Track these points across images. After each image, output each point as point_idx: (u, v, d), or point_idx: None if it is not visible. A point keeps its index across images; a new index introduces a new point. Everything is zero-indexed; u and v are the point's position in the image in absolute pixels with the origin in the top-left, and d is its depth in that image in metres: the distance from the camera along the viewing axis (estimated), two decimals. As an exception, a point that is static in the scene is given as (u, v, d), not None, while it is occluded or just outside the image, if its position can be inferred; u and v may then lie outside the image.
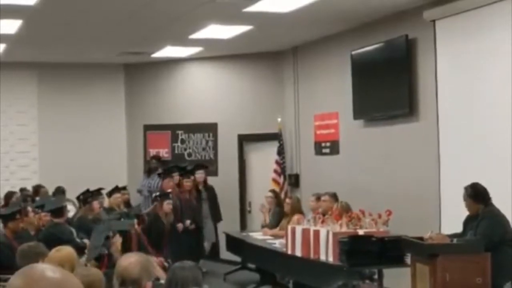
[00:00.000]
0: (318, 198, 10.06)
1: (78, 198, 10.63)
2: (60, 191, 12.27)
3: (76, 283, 1.83)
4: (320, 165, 11.89)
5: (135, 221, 9.50)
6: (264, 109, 13.31)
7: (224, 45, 12.05)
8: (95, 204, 10.13)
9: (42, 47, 12.22)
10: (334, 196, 9.73)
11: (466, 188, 7.02)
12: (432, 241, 6.78)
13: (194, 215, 12.15)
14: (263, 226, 11.44)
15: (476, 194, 6.95)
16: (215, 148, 14.04)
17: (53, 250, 5.40)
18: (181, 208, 11.83)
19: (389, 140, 10.06)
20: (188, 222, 11.82)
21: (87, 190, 10.59)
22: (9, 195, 11.62)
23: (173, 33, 11.00)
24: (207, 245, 12.64)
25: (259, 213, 12.09)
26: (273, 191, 11.79)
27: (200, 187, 12.60)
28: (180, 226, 11.62)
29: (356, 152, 10.88)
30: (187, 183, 12.19)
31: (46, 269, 1.79)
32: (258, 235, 11.18)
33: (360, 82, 10.53)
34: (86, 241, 8.64)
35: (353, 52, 10.62)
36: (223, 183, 13.46)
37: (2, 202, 11.56)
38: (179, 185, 12.20)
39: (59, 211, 9.13)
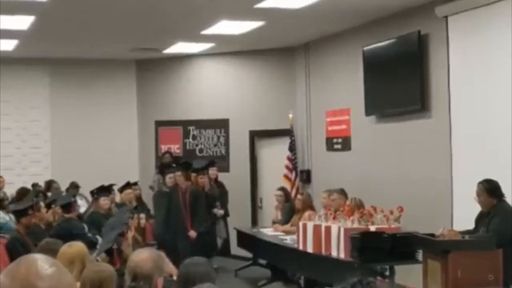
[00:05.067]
0: (330, 194, 10.03)
1: (91, 193, 10.66)
2: (73, 186, 12.32)
3: (67, 278, 1.79)
4: (332, 161, 11.88)
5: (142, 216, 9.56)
6: (275, 105, 13.30)
7: (235, 41, 12.05)
8: (102, 200, 10.15)
9: (54, 43, 12.26)
10: (343, 192, 9.71)
11: (481, 183, 6.99)
12: (443, 238, 6.75)
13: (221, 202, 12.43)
14: (274, 222, 11.44)
15: (492, 189, 6.93)
16: (226, 144, 14.05)
17: (65, 246, 5.42)
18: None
19: (401, 136, 10.03)
20: (193, 233, 11.78)
21: (101, 186, 10.62)
22: (22, 192, 11.66)
23: (185, 29, 11.01)
24: (219, 242, 12.65)
25: (270, 209, 12.08)
26: (281, 188, 11.78)
27: (212, 183, 12.61)
28: (192, 233, 11.58)
29: (368, 148, 10.85)
30: (202, 179, 12.20)
31: (35, 265, 1.74)
32: (269, 231, 11.18)
33: (372, 78, 10.50)
34: (98, 237, 8.66)
35: (365, 48, 10.59)
36: (235, 179, 13.47)
37: (14, 196, 11.62)
38: (190, 180, 12.20)
39: (69, 206, 9.16)
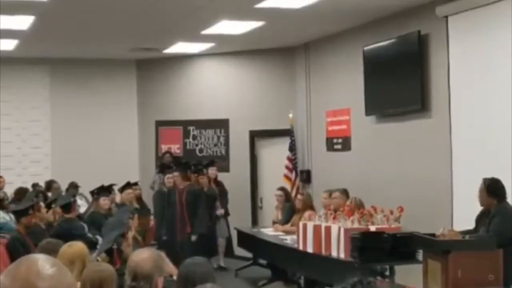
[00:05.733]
0: (330, 194, 10.03)
1: (92, 193, 10.66)
2: (73, 186, 12.33)
3: (67, 279, 1.79)
4: (332, 161, 11.88)
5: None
6: (275, 105, 13.30)
7: (236, 41, 12.05)
8: (102, 200, 10.15)
9: (55, 43, 12.26)
10: (345, 192, 9.71)
11: (485, 180, 6.97)
12: (444, 238, 6.75)
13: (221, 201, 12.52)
14: (274, 222, 11.44)
15: (493, 188, 6.91)
16: (226, 144, 14.04)
17: (65, 246, 5.41)
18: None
19: (401, 136, 10.03)
20: (194, 237, 11.74)
21: (102, 186, 10.62)
22: (20, 191, 11.68)
23: (185, 29, 11.01)
24: (222, 241, 12.65)
25: (270, 209, 12.07)
26: (282, 188, 11.78)
27: (211, 183, 12.60)
28: (193, 237, 11.53)
29: (368, 148, 10.86)
30: (202, 179, 12.21)
31: (36, 265, 1.74)
32: (269, 231, 11.18)
33: (372, 78, 10.50)
34: (98, 237, 8.66)
35: (365, 48, 10.59)
36: (235, 179, 13.47)
37: (13, 196, 11.62)
38: (190, 180, 12.21)
39: (69, 206, 9.16)
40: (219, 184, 12.79)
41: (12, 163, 13.63)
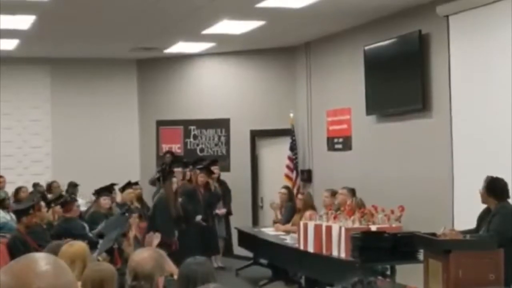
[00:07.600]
0: (332, 193, 10.03)
1: (94, 192, 10.65)
2: (72, 185, 12.34)
3: (66, 276, 1.78)
4: (333, 161, 11.87)
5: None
6: (276, 105, 13.30)
7: (236, 40, 12.04)
8: (102, 200, 10.16)
9: (55, 42, 12.26)
10: (351, 191, 9.71)
11: (487, 178, 6.95)
12: (445, 237, 6.75)
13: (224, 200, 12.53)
14: (275, 222, 11.44)
15: (492, 187, 6.89)
16: (227, 143, 14.04)
17: (66, 245, 5.41)
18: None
19: (402, 136, 10.03)
20: (199, 217, 11.75)
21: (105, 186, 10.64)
22: (17, 191, 11.72)
23: (186, 28, 11.01)
24: (220, 241, 12.64)
25: (271, 209, 12.08)
26: (286, 187, 11.77)
27: (214, 181, 12.57)
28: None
29: (369, 147, 10.85)
30: (201, 178, 12.18)
31: (34, 263, 1.72)
32: (270, 231, 11.18)
33: (373, 78, 10.50)
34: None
35: (366, 48, 10.58)
36: (236, 178, 13.46)
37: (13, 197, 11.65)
38: (190, 180, 12.19)
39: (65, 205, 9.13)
40: (222, 183, 12.78)
41: (13, 163, 13.63)
